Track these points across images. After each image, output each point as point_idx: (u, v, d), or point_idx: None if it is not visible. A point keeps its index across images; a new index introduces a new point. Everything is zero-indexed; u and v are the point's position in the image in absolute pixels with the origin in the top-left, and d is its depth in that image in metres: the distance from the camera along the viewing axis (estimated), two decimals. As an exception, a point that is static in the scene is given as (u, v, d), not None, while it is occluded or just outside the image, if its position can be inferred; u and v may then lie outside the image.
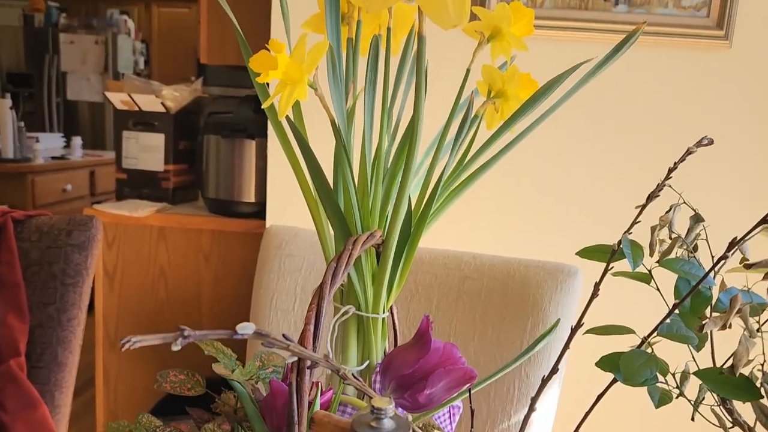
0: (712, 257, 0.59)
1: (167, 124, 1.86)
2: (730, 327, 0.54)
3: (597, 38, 1.30)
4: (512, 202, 1.37)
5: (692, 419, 0.59)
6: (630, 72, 1.35)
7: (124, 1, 5.32)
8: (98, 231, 1.04)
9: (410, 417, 0.64)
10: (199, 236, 1.77)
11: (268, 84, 0.65)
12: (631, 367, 0.47)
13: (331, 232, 0.70)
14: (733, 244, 0.49)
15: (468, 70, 0.70)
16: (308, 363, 0.45)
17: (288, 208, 1.57)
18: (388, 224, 0.65)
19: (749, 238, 0.50)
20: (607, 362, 0.51)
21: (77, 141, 3.54)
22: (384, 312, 0.69)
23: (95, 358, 1.81)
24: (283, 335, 0.31)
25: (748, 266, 0.44)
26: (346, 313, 0.67)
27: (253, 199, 1.75)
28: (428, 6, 0.45)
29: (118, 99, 1.84)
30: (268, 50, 0.54)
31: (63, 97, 4.58)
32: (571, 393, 1.12)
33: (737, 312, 0.43)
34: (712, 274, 0.60)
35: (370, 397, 0.35)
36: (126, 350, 1.75)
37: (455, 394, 0.53)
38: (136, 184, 1.90)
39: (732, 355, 0.47)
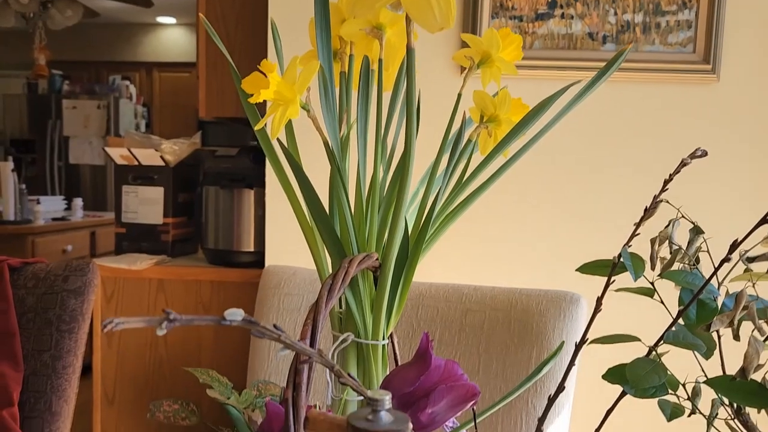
0: (714, 267, 0.58)
1: (166, 178, 1.87)
2: (736, 329, 0.52)
3: (586, 76, 1.32)
4: (512, 231, 1.37)
5: (707, 436, 0.57)
6: (622, 106, 1.37)
7: (125, 67, 5.46)
8: (95, 276, 1.03)
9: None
10: (199, 287, 1.75)
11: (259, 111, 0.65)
12: (637, 375, 0.45)
13: (329, 260, 0.69)
14: (735, 246, 0.48)
15: (459, 95, 0.71)
16: (304, 374, 0.44)
17: (286, 254, 1.56)
18: (384, 248, 0.65)
19: (750, 241, 0.49)
20: (614, 374, 0.50)
21: (78, 202, 3.56)
22: (384, 339, 0.67)
23: (93, 418, 1.76)
24: (274, 325, 0.30)
25: (750, 260, 0.43)
26: (344, 340, 0.66)
27: (252, 249, 1.74)
28: (414, 11, 0.46)
29: (117, 154, 1.86)
30: (262, 72, 0.55)
31: (65, 161, 4.63)
32: (583, 414, 1.08)
33: (743, 309, 0.42)
34: (716, 284, 0.59)
35: (366, 397, 0.34)
36: (123, 411, 1.70)
37: (459, 413, 0.51)
38: (136, 238, 1.89)
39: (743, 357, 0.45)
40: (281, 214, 1.63)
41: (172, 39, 5.69)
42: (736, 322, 0.43)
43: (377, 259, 0.63)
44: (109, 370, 1.78)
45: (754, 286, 0.46)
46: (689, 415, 0.58)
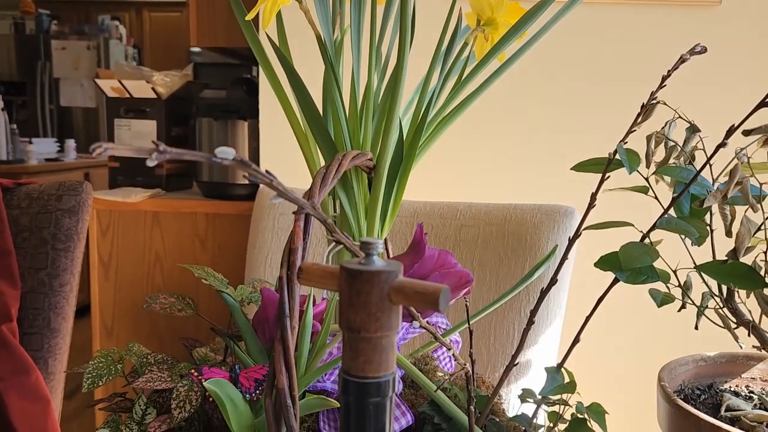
0: (710, 165, 0.58)
1: (159, 110, 1.85)
2: (729, 224, 0.52)
3: (590, 1, 1.29)
4: (505, 150, 1.36)
5: (696, 328, 0.58)
6: (621, 30, 1.35)
7: (115, 6, 5.32)
8: (89, 196, 1.03)
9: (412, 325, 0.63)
10: (194, 220, 1.75)
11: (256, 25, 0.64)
12: (630, 256, 0.45)
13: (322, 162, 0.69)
14: (731, 131, 0.48)
15: (455, -4, 0.70)
16: (298, 252, 0.44)
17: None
18: (379, 147, 0.64)
19: (748, 128, 0.48)
20: (606, 261, 0.50)
21: (71, 143, 3.53)
22: (378, 242, 0.67)
23: (92, 349, 1.79)
24: (266, 171, 0.30)
25: (747, 132, 0.43)
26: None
27: (247, 181, 1.74)
28: None
29: (108, 86, 1.83)
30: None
31: (56, 104, 4.56)
32: (580, 312, 1.10)
33: (737, 184, 0.42)
34: (711, 179, 0.59)
35: (356, 255, 0.34)
36: (121, 342, 1.71)
37: (453, 300, 0.52)
38: (130, 172, 1.88)
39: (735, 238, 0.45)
40: (275, 146, 1.62)
41: (161, -23, 5.53)
42: (729, 196, 0.43)
43: (371, 159, 0.63)
44: (107, 303, 1.80)
45: (753, 175, 0.46)
46: (680, 310, 0.59)
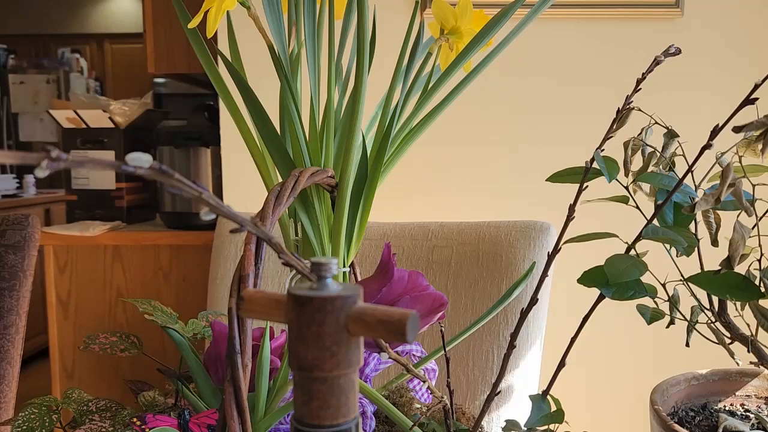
0: (692, 172, 0.54)
1: (117, 140, 1.79)
2: (714, 233, 0.49)
3: (551, 14, 1.28)
4: (477, 166, 1.33)
5: (687, 345, 0.54)
6: (584, 45, 1.34)
7: (75, 39, 5.23)
8: (35, 230, 0.96)
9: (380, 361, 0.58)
10: (157, 253, 1.68)
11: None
12: (617, 269, 0.41)
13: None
14: (716, 131, 0.45)
15: (417, 4, 0.66)
16: (249, 280, 0.39)
17: (245, 212, 1.50)
18: (342, 164, 0.60)
19: (738, 125, 0.45)
20: (590, 276, 0.46)
21: (30, 179, 3.42)
22: (345, 266, 0.62)
23: (52, 392, 1.69)
24: (194, 181, 0.25)
25: (737, 129, 0.40)
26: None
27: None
28: None
29: (63, 117, 1.77)
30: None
31: (15, 139, 4.44)
32: (559, 332, 1.06)
33: (730, 186, 0.38)
34: (693, 186, 0.56)
35: (310, 279, 0.29)
36: (84, 383, 1.61)
37: (426, 326, 0.47)
38: (89, 205, 1.80)
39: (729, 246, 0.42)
40: (239, 172, 1.57)
41: (122, 8, 5.46)
42: (722, 198, 0.40)
43: (332, 176, 0.58)
44: (67, 344, 1.71)
45: (746, 176, 0.43)
46: (668, 326, 0.55)
